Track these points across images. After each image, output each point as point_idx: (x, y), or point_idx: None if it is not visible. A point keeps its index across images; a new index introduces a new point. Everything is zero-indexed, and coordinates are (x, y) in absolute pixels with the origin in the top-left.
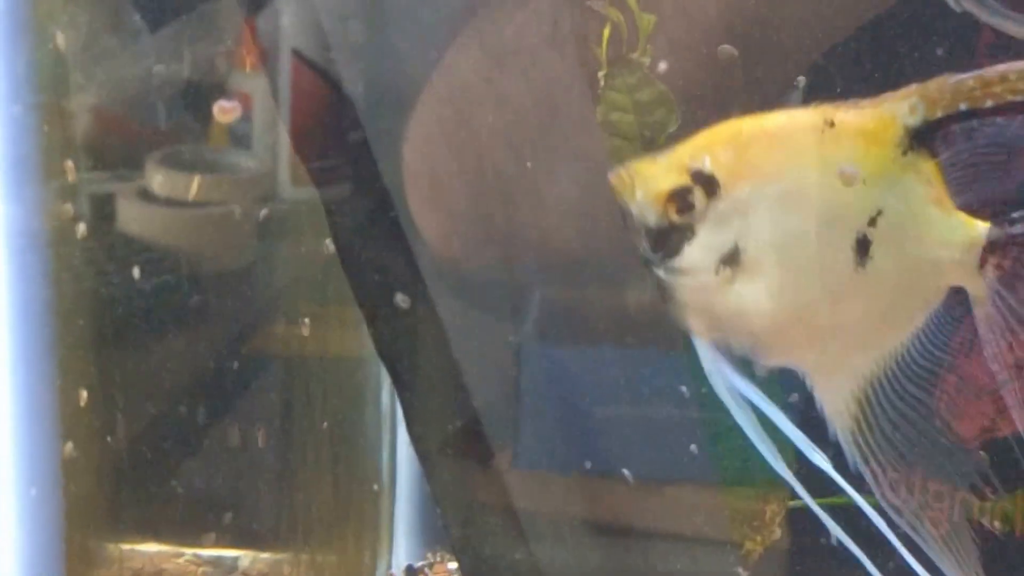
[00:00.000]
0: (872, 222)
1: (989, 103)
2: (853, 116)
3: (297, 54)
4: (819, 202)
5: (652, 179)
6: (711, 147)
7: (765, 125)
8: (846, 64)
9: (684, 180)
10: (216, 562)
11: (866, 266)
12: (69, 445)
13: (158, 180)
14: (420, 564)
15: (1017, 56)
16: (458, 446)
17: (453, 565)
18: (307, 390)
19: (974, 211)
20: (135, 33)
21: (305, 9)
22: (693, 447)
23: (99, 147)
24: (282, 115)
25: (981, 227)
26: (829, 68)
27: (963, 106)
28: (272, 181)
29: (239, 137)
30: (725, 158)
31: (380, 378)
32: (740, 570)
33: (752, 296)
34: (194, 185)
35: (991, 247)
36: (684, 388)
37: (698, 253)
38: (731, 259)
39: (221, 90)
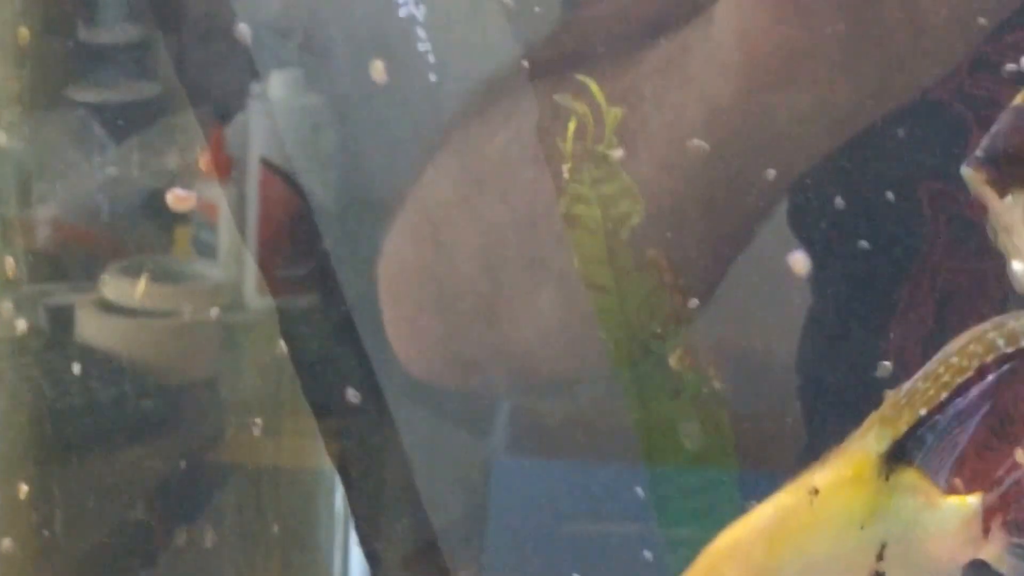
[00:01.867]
0: (880, 556)
1: (944, 395)
2: (831, 472)
3: (266, 163)
4: (829, 569)
5: None
6: (717, 570)
7: (758, 525)
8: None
9: None
10: None
11: None
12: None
13: (117, 289)
14: None
15: (996, 72)
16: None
17: None
18: (258, 493)
19: (961, 488)
20: (99, 144)
21: (273, 120)
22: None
23: (58, 257)
24: (238, 222)
25: (972, 501)
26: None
27: (922, 411)
28: (236, 290)
29: (204, 247)
30: None
31: (333, 482)
32: None
33: None
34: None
35: (989, 513)
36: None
37: None
38: None
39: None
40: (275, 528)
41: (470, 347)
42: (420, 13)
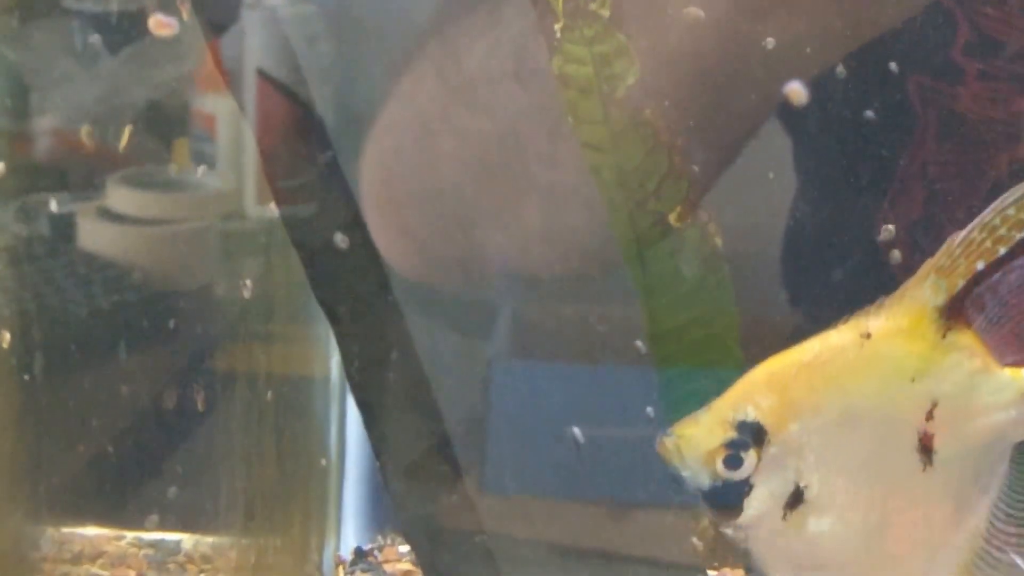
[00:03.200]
0: (929, 416)
1: (1002, 249)
2: (886, 319)
3: (262, 74)
4: (873, 416)
5: (697, 440)
6: (750, 395)
7: (801, 358)
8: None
9: (729, 434)
10: (158, 545)
11: (934, 462)
12: None
13: (119, 199)
14: (369, 547)
15: (992, 55)
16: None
17: (404, 548)
18: (250, 360)
19: (1019, 362)
20: (95, 55)
21: (270, 31)
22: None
23: (59, 168)
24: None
25: None
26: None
27: (979, 265)
28: (236, 199)
29: (203, 157)
30: (768, 403)
31: (328, 350)
32: None
33: (827, 530)
34: (153, 202)
35: None
36: (650, 409)
37: (761, 505)
38: (796, 500)
39: (184, 111)
40: (268, 395)
41: (455, 248)
42: None
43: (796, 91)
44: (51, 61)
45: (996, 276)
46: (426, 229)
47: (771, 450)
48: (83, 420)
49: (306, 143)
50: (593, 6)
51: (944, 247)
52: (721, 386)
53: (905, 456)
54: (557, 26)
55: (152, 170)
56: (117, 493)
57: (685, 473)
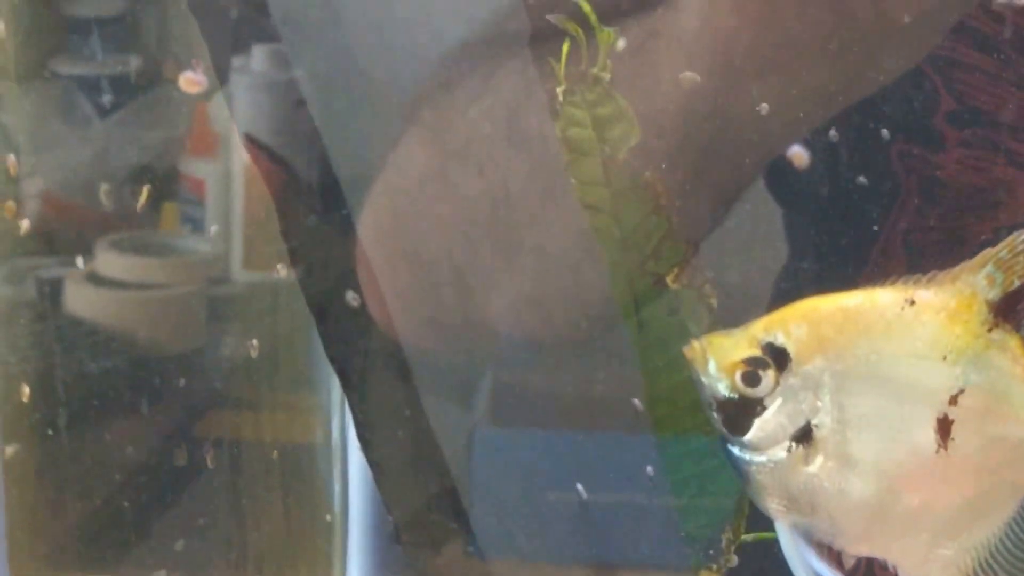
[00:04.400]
0: (954, 401)
1: None
2: (934, 294)
3: (249, 138)
4: (897, 380)
5: (724, 350)
6: (786, 321)
7: (843, 303)
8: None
9: (755, 351)
10: None
11: (948, 448)
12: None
13: (107, 263)
14: None
15: (973, 123)
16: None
17: None
18: (253, 422)
19: None
20: (85, 118)
21: (259, 94)
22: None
23: (48, 231)
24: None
25: None
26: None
27: None
28: (225, 264)
29: (192, 221)
30: (798, 332)
31: (330, 409)
32: None
33: (828, 477)
34: (141, 267)
35: None
36: (650, 468)
37: (769, 428)
38: (803, 436)
39: (173, 174)
40: (274, 454)
41: (444, 312)
42: None
43: (798, 155)
44: (41, 124)
45: None
46: (419, 292)
47: (791, 379)
48: (80, 479)
49: (318, 203)
50: (594, 70)
51: (1008, 239)
52: (717, 448)
53: (921, 431)
54: (559, 90)
55: (141, 234)
56: (122, 549)
57: (705, 380)
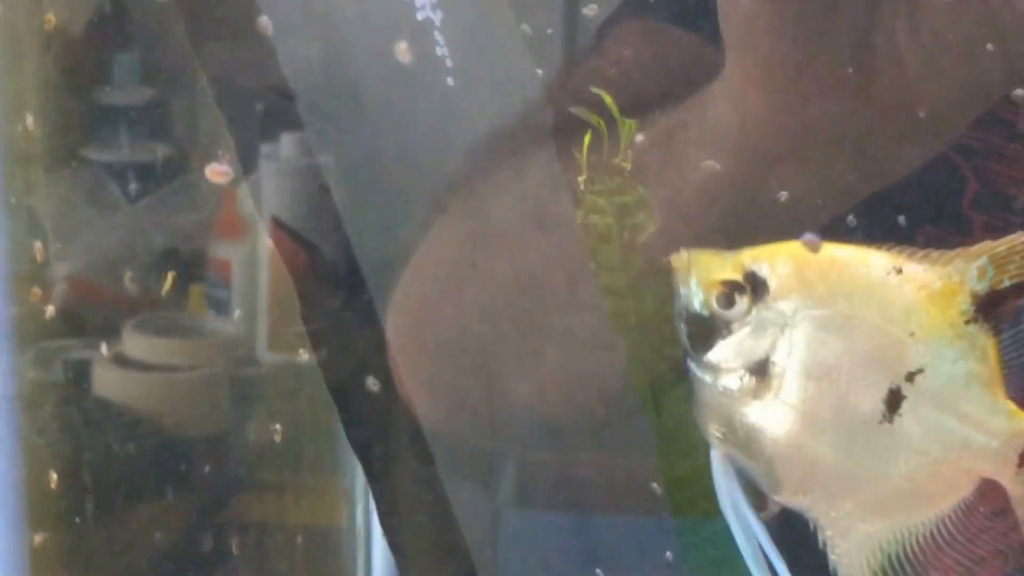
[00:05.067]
0: (910, 378)
1: None
2: (922, 270)
3: (276, 221)
4: (862, 341)
5: (708, 267)
6: (773, 255)
7: (834, 253)
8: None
9: (736, 276)
10: None
11: (893, 422)
12: None
13: (134, 345)
14: None
15: (999, 208)
16: None
17: None
18: (277, 506)
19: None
20: (114, 204)
21: (283, 179)
22: None
23: (76, 314)
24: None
25: None
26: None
27: None
28: (250, 346)
29: (217, 303)
30: (783, 269)
31: (355, 492)
32: None
33: (770, 417)
34: (167, 349)
35: None
36: (669, 554)
37: (729, 352)
38: (759, 369)
39: (200, 257)
40: (298, 538)
41: (470, 397)
42: (437, 18)
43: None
44: (70, 210)
45: None
46: (446, 377)
47: (764, 311)
48: (107, 566)
49: (340, 289)
50: (615, 160)
51: (1010, 237)
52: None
53: (871, 398)
54: (580, 178)
55: (167, 316)
56: None
57: (683, 291)
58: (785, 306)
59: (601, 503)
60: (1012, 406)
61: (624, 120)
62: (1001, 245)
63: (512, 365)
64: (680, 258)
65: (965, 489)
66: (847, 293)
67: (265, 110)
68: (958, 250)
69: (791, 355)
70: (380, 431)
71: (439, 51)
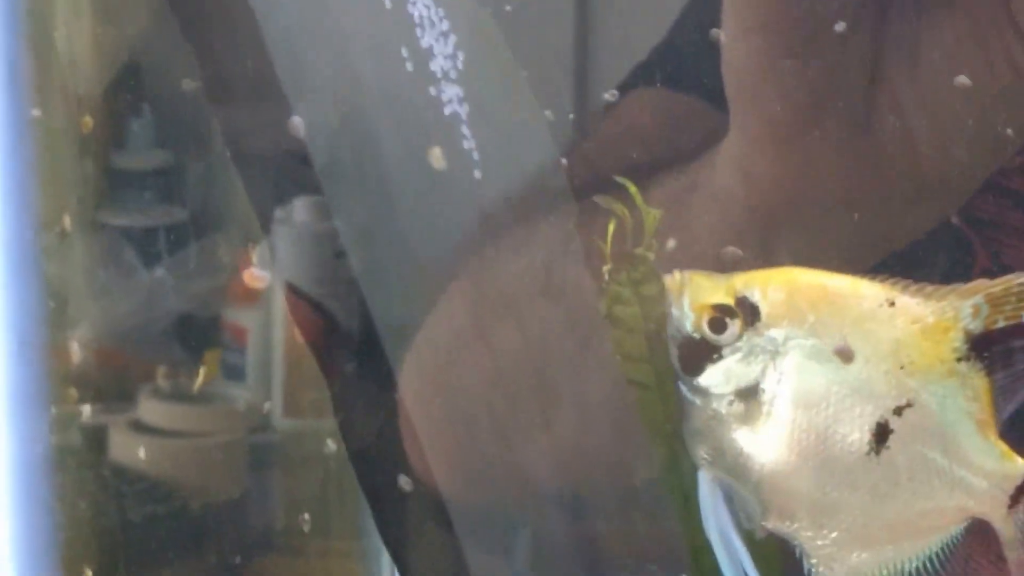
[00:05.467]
0: (899, 411)
1: None
2: (916, 304)
3: (291, 287)
4: (851, 371)
5: (701, 290)
6: (766, 281)
7: (827, 282)
8: None
9: (728, 300)
10: None
11: (880, 455)
12: None
13: (150, 411)
14: None
15: (1002, 195)
16: None
17: None
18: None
19: (1017, 447)
20: (130, 268)
21: (299, 244)
22: None
23: (92, 379)
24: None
25: (1021, 464)
26: None
27: None
28: (266, 413)
29: (232, 369)
30: (775, 296)
31: (377, 555)
32: None
33: (758, 443)
34: (182, 414)
35: None
36: None
37: (719, 376)
38: (748, 395)
39: (216, 322)
40: None
41: (485, 466)
42: (464, 112)
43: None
44: (87, 274)
45: None
46: (460, 447)
47: (755, 337)
48: None
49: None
50: (639, 250)
51: (1006, 278)
52: None
53: (858, 430)
54: (605, 268)
55: (183, 382)
56: None
57: (675, 311)
58: (776, 333)
59: (619, 572)
60: (1004, 447)
61: (648, 209)
62: (997, 285)
63: (524, 433)
64: (674, 279)
65: (954, 527)
66: (837, 322)
67: (281, 168)
68: (953, 286)
69: (780, 382)
70: (414, 530)
71: (466, 144)
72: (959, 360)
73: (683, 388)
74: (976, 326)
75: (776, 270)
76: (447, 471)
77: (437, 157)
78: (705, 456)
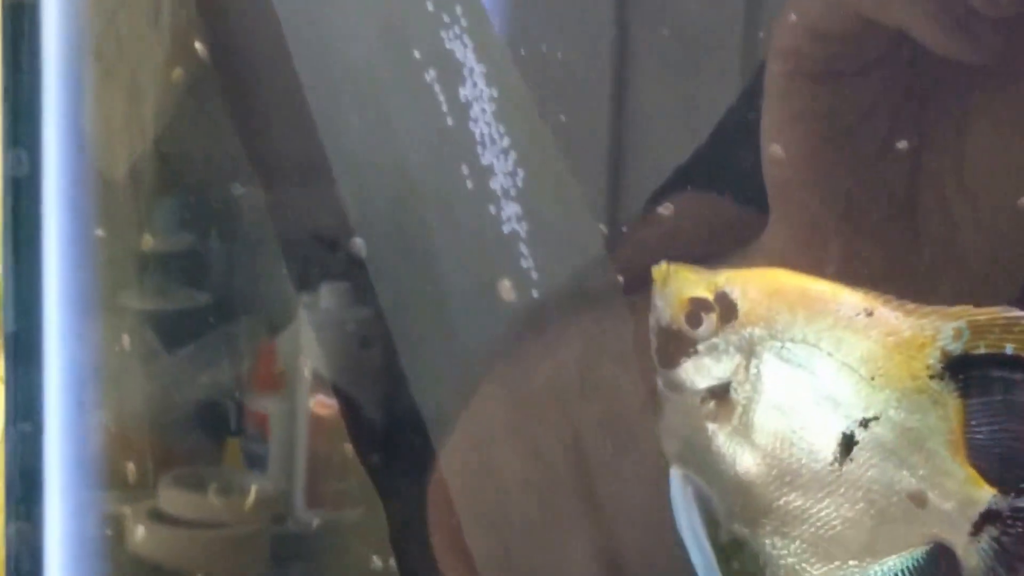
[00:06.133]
0: (865, 424)
1: None
2: (894, 317)
3: (318, 376)
4: (822, 379)
5: (684, 282)
6: (747, 280)
7: (807, 286)
8: None
9: (707, 295)
10: None
11: (843, 467)
12: None
13: (170, 500)
14: None
15: None
16: None
17: None
18: None
19: (984, 474)
20: (152, 353)
21: (325, 331)
22: None
23: (111, 467)
24: None
25: (987, 490)
26: None
27: (1009, 348)
28: (287, 502)
29: (254, 458)
30: (754, 295)
31: None
32: None
33: (724, 442)
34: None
35: (991, 515)
36: None
37: (692, 372)
38: (719, 393)
39: (238, 410)
40: None
41: (519, 570)
42: (523, 229)
43: None
44: (107, 358)
45: (1020, 373)
46: (493, 550)
47: (729, 334)
48: None
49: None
50: None
51: (993, 308)
52: None
53: (824, 439)
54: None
55: (203, 470)
56: None
57: (658, 302)
58: (751, 333)
59: None
60: (971, 472)
61: None
62: (982, 314)
63: (560, 536)
64: (660, 270)
65: (916, 548)
66: (812, 327)
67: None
68: (937, 307)
69: (751, 383)
70: None
71: (524, 263)
72: (932, 377)
73: (659, 382)
74: (955, 348)
75: (762, 270)
76: (477, 573)
77: (507, 290)
78: (675, 451)
